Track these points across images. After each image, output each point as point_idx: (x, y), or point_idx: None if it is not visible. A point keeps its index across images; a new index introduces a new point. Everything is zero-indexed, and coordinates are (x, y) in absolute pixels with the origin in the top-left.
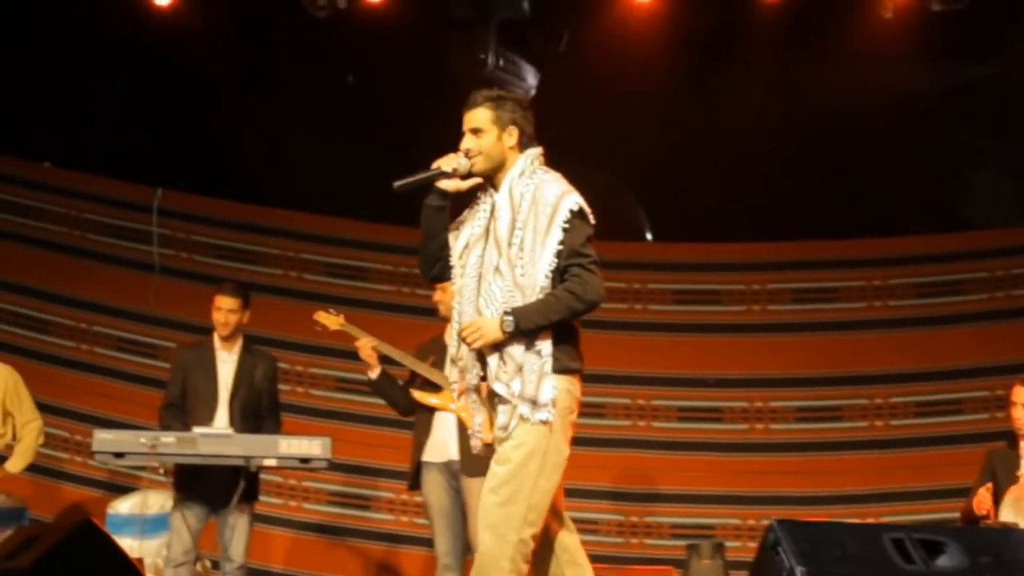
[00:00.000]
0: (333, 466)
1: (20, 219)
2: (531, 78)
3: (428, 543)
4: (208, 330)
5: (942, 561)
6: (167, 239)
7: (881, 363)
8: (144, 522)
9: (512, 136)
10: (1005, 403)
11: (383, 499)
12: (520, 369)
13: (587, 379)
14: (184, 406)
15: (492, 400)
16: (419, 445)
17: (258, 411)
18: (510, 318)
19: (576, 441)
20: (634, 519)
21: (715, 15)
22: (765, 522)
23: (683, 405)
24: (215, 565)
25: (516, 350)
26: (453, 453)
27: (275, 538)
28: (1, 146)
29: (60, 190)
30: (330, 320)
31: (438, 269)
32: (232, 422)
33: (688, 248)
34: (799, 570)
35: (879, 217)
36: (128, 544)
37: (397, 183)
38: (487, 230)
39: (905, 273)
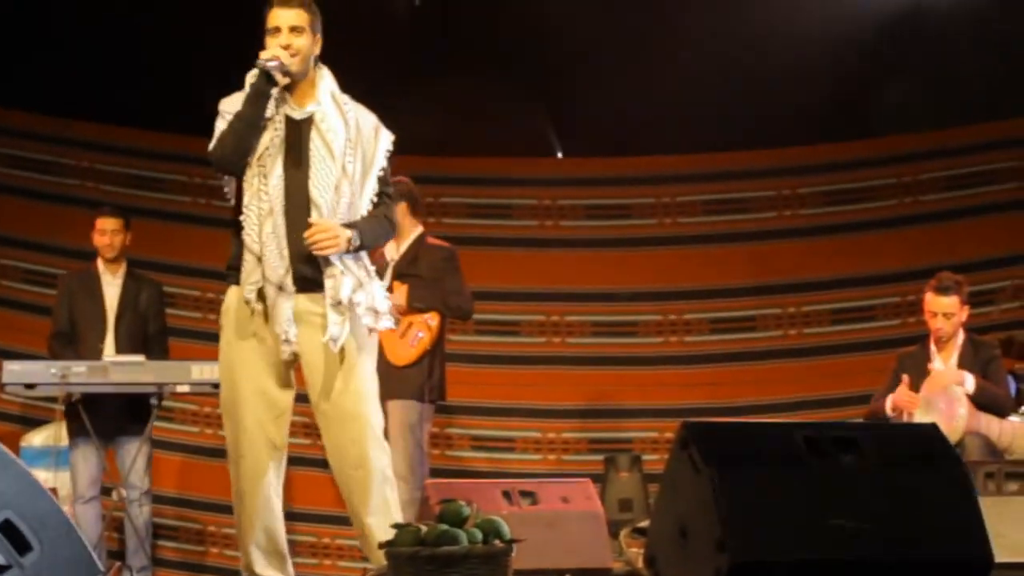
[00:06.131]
0: None
1: None
2: None
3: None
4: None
5: (856, 457)
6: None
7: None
8: (58, 453)
9: (318, 45)
10: (917, 308)
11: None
12: (361, 284)
13: (501, 297)
14: (72, 334)
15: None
16: None
17: (144, 336)
18: (356, 234)
19: (491, 359)
20: (551, 435)
21: None
22: None
23: (597, 320)
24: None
25: (352, 263)
26: None
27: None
28: None
29: None
30: None
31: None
32: (118, 348)
33: (600, 163)
34: (710, 470)
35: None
36: (43, 476)
37: (263, 60)
38: (287, 141)
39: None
